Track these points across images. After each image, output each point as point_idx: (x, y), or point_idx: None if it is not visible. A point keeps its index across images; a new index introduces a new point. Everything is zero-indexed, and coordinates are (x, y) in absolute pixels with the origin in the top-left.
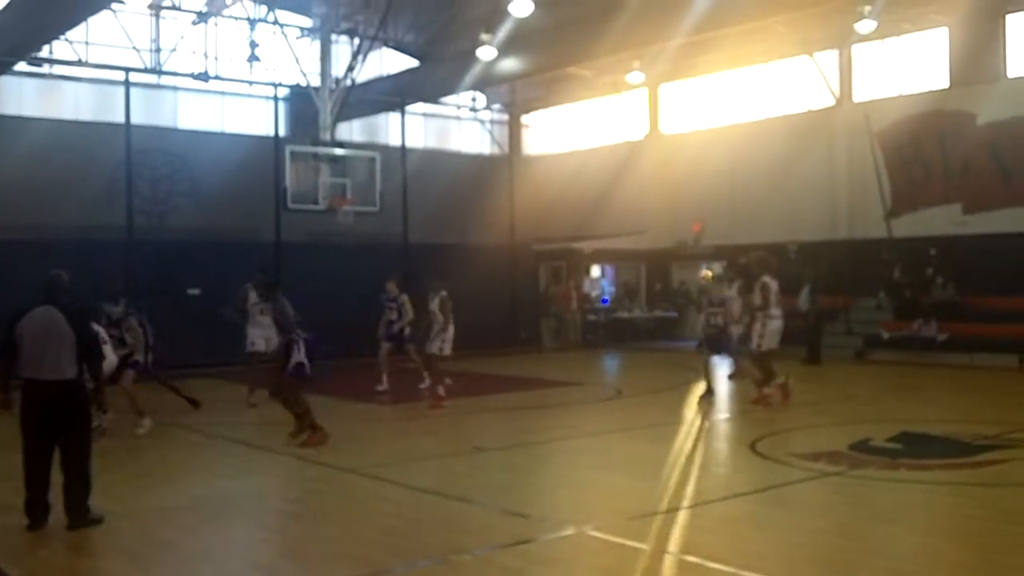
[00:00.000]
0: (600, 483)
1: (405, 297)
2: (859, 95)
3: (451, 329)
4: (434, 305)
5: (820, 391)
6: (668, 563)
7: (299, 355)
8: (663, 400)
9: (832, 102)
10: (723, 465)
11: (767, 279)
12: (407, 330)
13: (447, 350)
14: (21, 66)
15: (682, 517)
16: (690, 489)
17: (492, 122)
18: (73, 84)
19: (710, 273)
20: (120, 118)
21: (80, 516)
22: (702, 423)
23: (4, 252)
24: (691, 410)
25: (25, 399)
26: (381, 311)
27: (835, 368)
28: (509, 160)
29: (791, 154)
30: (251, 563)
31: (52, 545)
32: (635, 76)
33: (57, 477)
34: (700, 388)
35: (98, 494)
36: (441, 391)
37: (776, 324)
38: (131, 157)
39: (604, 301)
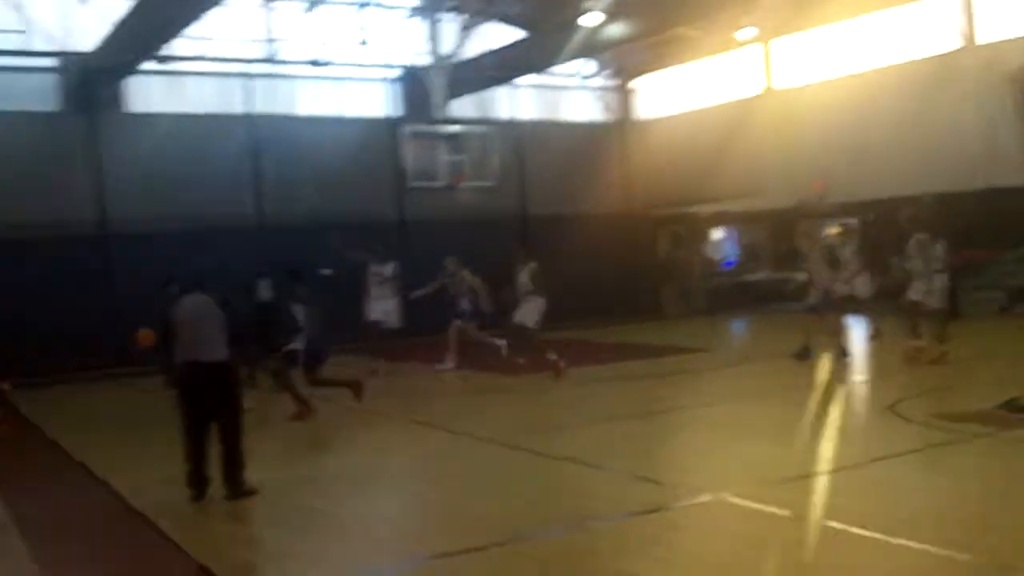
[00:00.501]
0: (734, 449)
1: (466, 272)
2: (987, 36)
3: (542, 301)
4: (524, 276)
5: (961, 349)
6: (811, 529)
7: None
8: (794, 364)
9: (959, 44)
10: (862, 429)
11: (922, 236)
12: (465, 305)
13: (539, 322)
14: (149, 65)
15: (822, 482)
16: (829, 454)
17: (602, 89)
18: (195, 78)
19: (837, 230)
20: (242, 109)
21: (237, 487)
22: (837, 386)
23: (140, 243)
24: (825, 373)
25: (183, 380)
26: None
27: (977, 324)
28: (622, 126)
29: (916, 102)
30: (398, 531)
31: (213, 514)
32: (746, 32)
33: (214, 451)
34: (833, 351)
35: (253, 465)
36: (556, 358)
37: (940, 281)
38: (255, 146)
39: (728, 264)
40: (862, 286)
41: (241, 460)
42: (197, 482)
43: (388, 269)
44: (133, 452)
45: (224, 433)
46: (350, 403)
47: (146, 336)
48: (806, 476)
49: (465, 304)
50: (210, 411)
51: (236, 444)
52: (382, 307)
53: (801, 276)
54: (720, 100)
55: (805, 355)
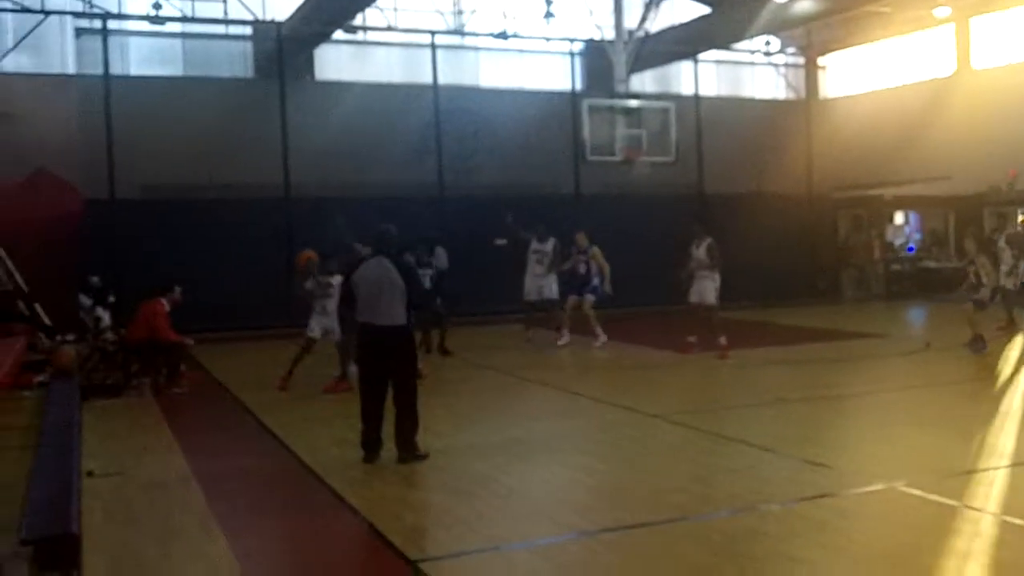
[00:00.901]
0: (909, 439)
1: (596, 249)
2: None
3: (718, 277)
4: (700, 252)
5: None
6: (988, 523)
7: None
8: (970, 354)
9: None
10: None
11: None
12: (598, 281)
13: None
14: (338, 34)
15: (1002, 476)
16: (1009, 448)
17: (786, 66)
18: (384, 48)
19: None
20: (427, 79)
21: (409, 451)
22: (1016, 378)
23: (327, 208)
24: (1009, 365)
25: (361, 342)
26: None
27: None
28: (806, 104)
29: None
30: (562, 501)
31: (385, 477)
32: (942, 10)
33: (389, 415)
34: (1017, 340)
35: (424, 431)
36: (724, 340)
37: None
38: (439, 116)
39: (910, 249)
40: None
41: (415, 424)
42: (370, 444)
43: (548, 246)
44: (311, 411)
45: (399, 396)
46: (512, 372)
47: (305, 257)
48: (983, 470)
49: (595, 281)
50: (386, 374)
51: (410, 408)
52: (537, 284)
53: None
54: (910, 80)
55: (980, 346)
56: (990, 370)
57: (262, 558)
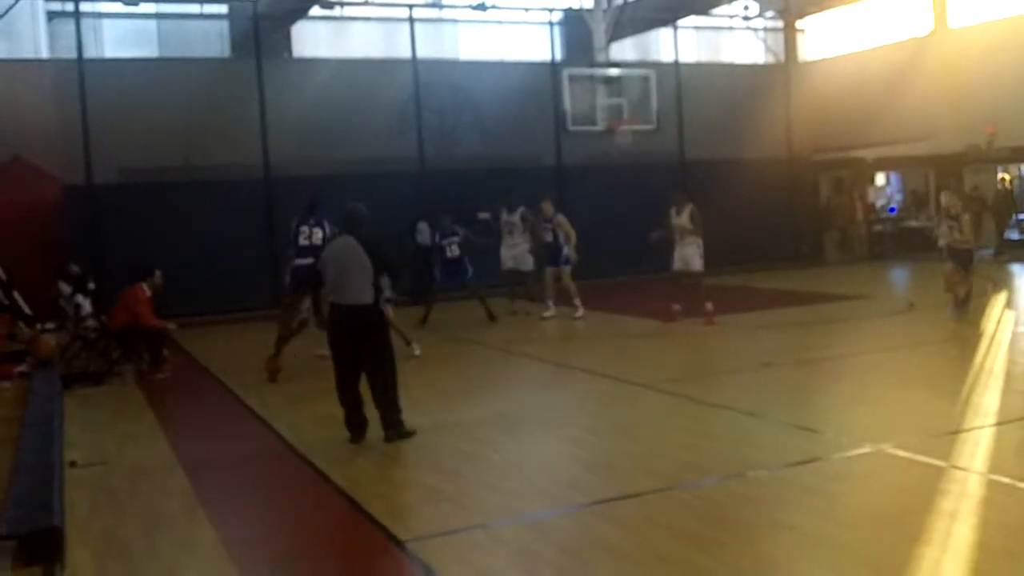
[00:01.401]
0: (896, 400)
1: (562, 217)
2: None
3: (700, 243)
4: (683, 218)
5: None
6: (976, 482)
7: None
8: (955, 313)
9: None
10: None
11: None
12: (568, 251)
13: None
14: (315, 11)
15: (987, 436)
16: (994, 407)
17: (765, 30)
18: (361, 24)
19: (1008, 176)
20: (405, 53)
21: (394, 430)
22: (1000, 337)
23: (301, 186)
24: (991, 323)
25: (330, 321)
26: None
27: None
28: (785, 68)
29: None
30: (551, 474)
31: (369, 455)
32: None
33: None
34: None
35: (410, 408)
36: (710, 307)
37: None
38: (419, 91)
39: (892, 210)
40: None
41: (394, 402)
42: (354, 426)
43: (516, 216)
44: (295, 392)
45: (373, 377)
46: (498, 346)
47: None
48: (970, 429)
49: (566, 250)
50: (357, 354)
51: (386, 387)
52: (511, 253)
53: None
54: (888, 40)
55: (963, 305)
56: (973, 328)
57: (249, 543)
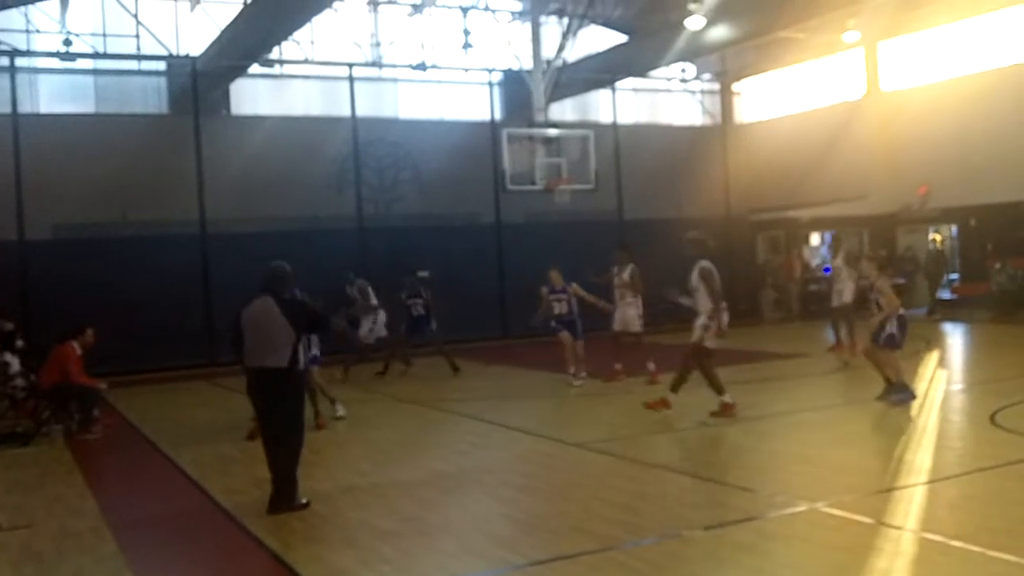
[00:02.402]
0: (831, 458)
1: (576, 286)
2: None
3: (640, 304)
4: (624, 277)
5: None
6: (909, 541)
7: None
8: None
9: None
10: (962, 439)
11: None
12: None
13: (643, 325)
14: (254, 68)
15: (920, 493)
16: (927, 464)
17: (703, 92)
18: (301, 82)
19: (939, 237)
20: (346, 111)
21: (284, 500)
22: (937, 395)
23: (239, 244)
24: (925, 381)
25: (247, 384)
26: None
27: None
28: (722, 129)
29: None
30: (490, 536)
31: (305, 517)
32: (851, 35)
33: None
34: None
35: (347, 468)
36: (652, 366)
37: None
38: (358, 148)
39: (827, 270)
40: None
41: (288, 472)
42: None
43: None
44: (227, 452)
45: (275, 442)
46: (435, 405)
47: None
48: (903, 487)
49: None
50: (269, 418)
51: (286, 455)
52: (368, 324)
53: (899, 281)
54: (823, 103)
55: (906, 395)
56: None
57: None
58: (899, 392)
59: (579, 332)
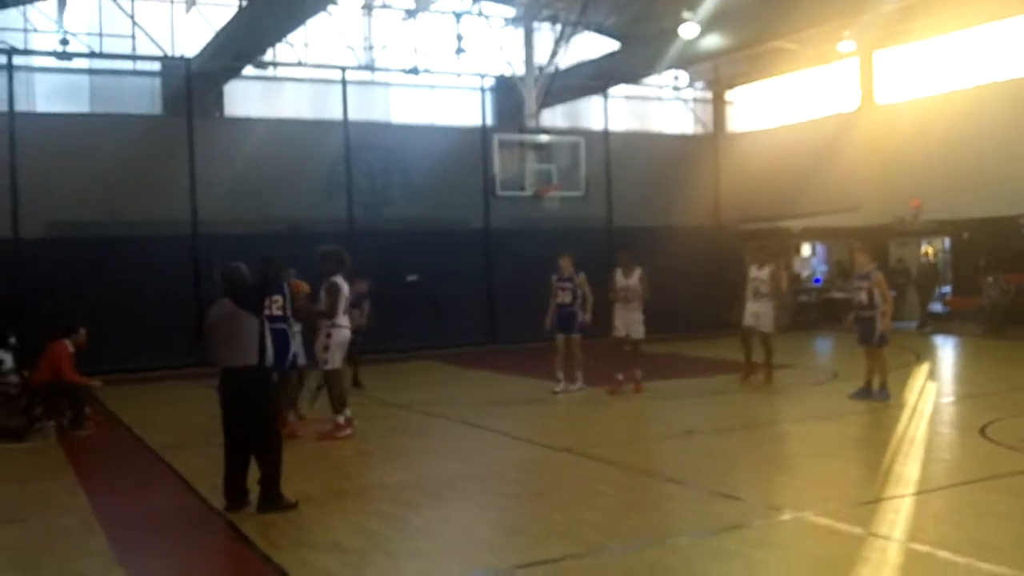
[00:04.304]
0: (818, 468)
1: (582, 276)
2: None
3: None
4: (632, 281)
5: None
6: (895, 551)
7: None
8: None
9: None
10: (950, 450)
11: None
12: (583, 316)
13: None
14: (248, 70)
15: (907, 504)
16: (915, 475)
17: (695, 100)
18: (294, 84)
19: (931, 249)
20: (337, 115)
21: (269, 501)
22: (925, 407)
23: (236, 244)
24: (914, 393)
25: (218, 384)
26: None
27: None
28: (714, 138)
29: (1019, 121)
30: (472, 539)
31: (293, 519)
32: (846, 45)
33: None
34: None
35: (329, 471)
36: (639, 374)
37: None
38: (349, 152)
39: (816, 281)
40: None
41: (271, 474)
42: (229, 491)
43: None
44: (216, 454)
45: (251, 443)
46: (423, 409)
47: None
48: (890, 497)
49: (581, 315)
50: (236, 419)
51: (265, 455)
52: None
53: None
54: (816, 114)
55: (871, 391)
56: (898, 398)
57: None
58: (880, 394)
59: (576, 326)
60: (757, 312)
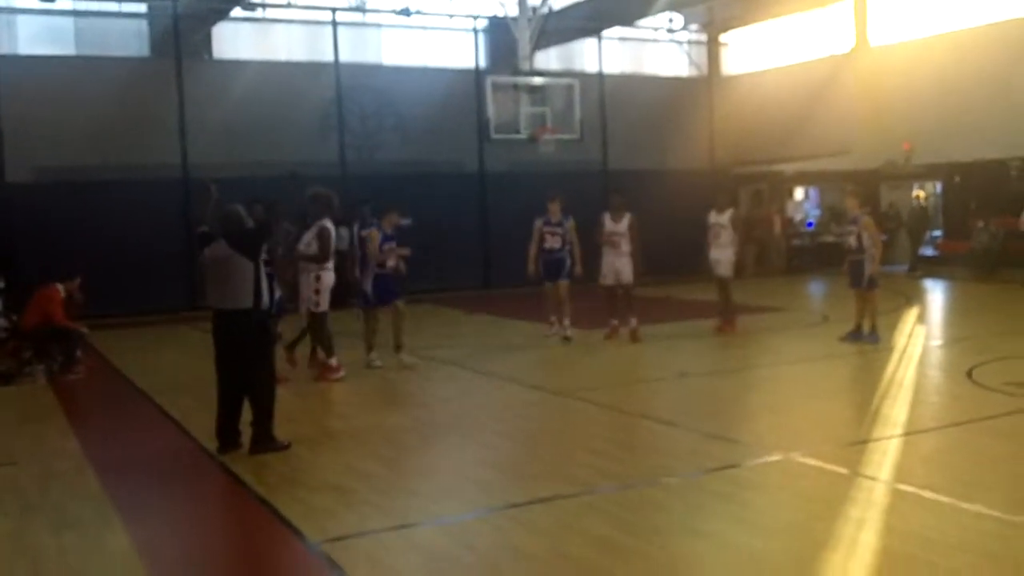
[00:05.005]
0: (808, 410)
1: (572, 222)
2: None
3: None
4: (621, 227)
5: None
6: (881, 491)
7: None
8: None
9: None
10: (937, 393)
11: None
12: (571, 261)
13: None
14: (236, 12)
15: (894, 445)
16: (902, 417)
17: (690, 43)
18: (284, 26)
19: (922, 193)
20: (328, 57)
21: (261, 443)
22: (914, 350)
23: (228, 187)
24: (904, 337)
25: (212, 326)
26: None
27: None
28: (708, 81)
29: (1012, 63)
30: (468, 479)
31: (287, 459)
32: None
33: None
34: (910, 315)
35: (329, 413)
36: (635, 321)
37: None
38: (341, 94)
39: (809, 225)
40: None
41: (262, 416)
42: (221, 434)
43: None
44: (208, 396)
45: (244, 386)
46: (419, 352)
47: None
48: (878, 439)
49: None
50: (232, 360)
51: (258, 398)
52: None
53: (882, 238)
54: (810, 56)
55: (861, 334)
56: (887, 341)
57: (161, 546)
58: (871, 337)
59: (565, 271)
60: (717, 258)
